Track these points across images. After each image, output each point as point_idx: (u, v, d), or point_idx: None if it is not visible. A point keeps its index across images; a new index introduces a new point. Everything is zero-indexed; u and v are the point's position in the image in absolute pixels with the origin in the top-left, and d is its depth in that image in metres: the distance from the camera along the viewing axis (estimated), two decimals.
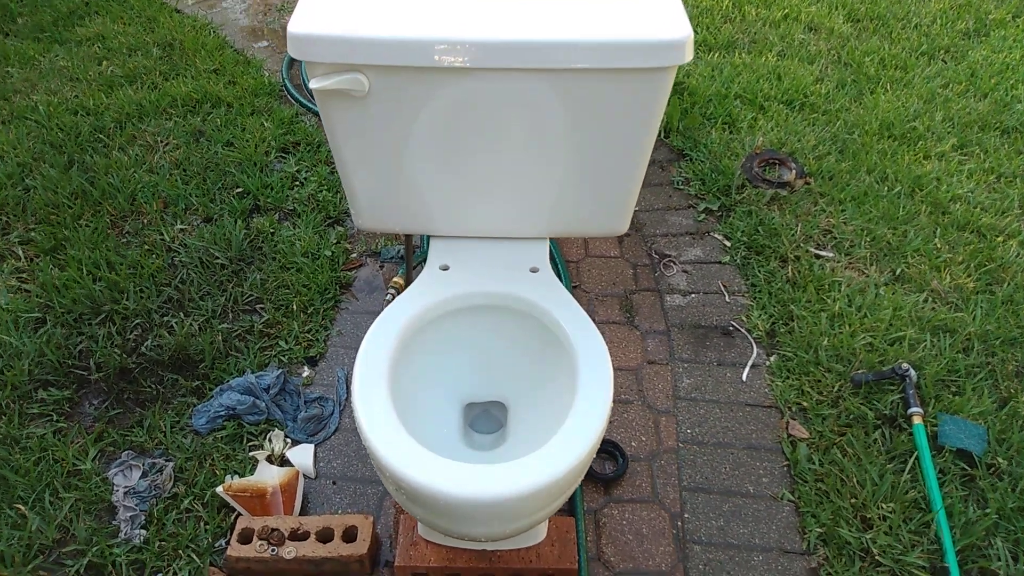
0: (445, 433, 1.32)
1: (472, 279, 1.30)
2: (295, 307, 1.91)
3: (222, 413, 1.64)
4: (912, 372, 1.74)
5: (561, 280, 1.63)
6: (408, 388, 1.24)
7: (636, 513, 1.54)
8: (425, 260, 1.56)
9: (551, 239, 1.80)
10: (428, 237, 1.41)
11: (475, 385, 1.38)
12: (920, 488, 1.55)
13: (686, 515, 1.53)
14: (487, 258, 1.35)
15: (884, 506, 1.52)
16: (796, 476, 1.60)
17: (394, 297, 1.92)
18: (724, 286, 2.05)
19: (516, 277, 1.31)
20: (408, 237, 1.71)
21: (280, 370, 1.71)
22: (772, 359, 1.85)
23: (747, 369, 1.83)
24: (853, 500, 1.54)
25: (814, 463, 1.61)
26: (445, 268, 1.33)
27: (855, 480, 1.57)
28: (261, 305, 1.93)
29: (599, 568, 1.44)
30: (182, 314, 1.89)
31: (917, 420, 1.65)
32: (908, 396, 1.70)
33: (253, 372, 1.74)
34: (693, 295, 2.02)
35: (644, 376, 1.81)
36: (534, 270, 1.33)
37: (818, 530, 1.50)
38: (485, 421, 1.44)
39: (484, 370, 1.37)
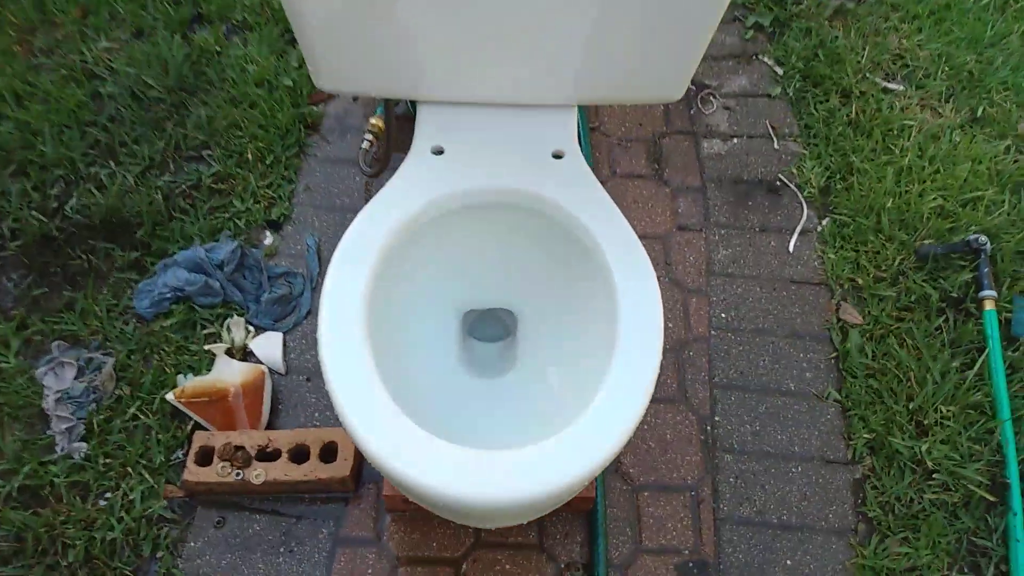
0: (439, 354, 1.06)
1: (474, 169, 0.97)
2: (250, 154, 1.56)
3: (168, 295, 1.37)
4: (988, 246, 1.46)
5: (581, 145, 1.28)
6: (392, 310, 0.95)
7: (660, 416, 1.33)
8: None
9: (580, 109, 1.38)
10: (415, 104, 1.05)
11: (476, 291, 1.10)
12: (987, 389, 1.34)
13: (716, 418, 1.33)
14: (494, 137, 1.00)
15: (944, 409, 1.32)
16: (845, 370, 1.38)
17: (371, 145, 1.56)
18: (773, 128, 1.70)
19: (534, 165, 0.98)
20: None
21: (236, 242, 1.41)
22: (825, 223, 1.56)
23: (795, 236, 1.54)
24: (909, 402, 1.33)
25: (866, 355, 1.39)
26: (438, 151, 0.99)
27: (913, 377, 1.35)
28: (208, 151, 1.58)
29: (617, 482, 1.26)
30: (112, 163, 1.54)
31: (989, 305, 1.41)
32: (981, 275, 1.44)
33: (203, 243, 1.43)
34: (735, 140, 1.68)
35: (673, 246, 1.52)
36: (558, 155, 0.99)
37: (866, 436, 1.31)
38: (488, 325, 1.17)
39: (488, 276, 1.08)
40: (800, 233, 1.55)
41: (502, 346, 1.16)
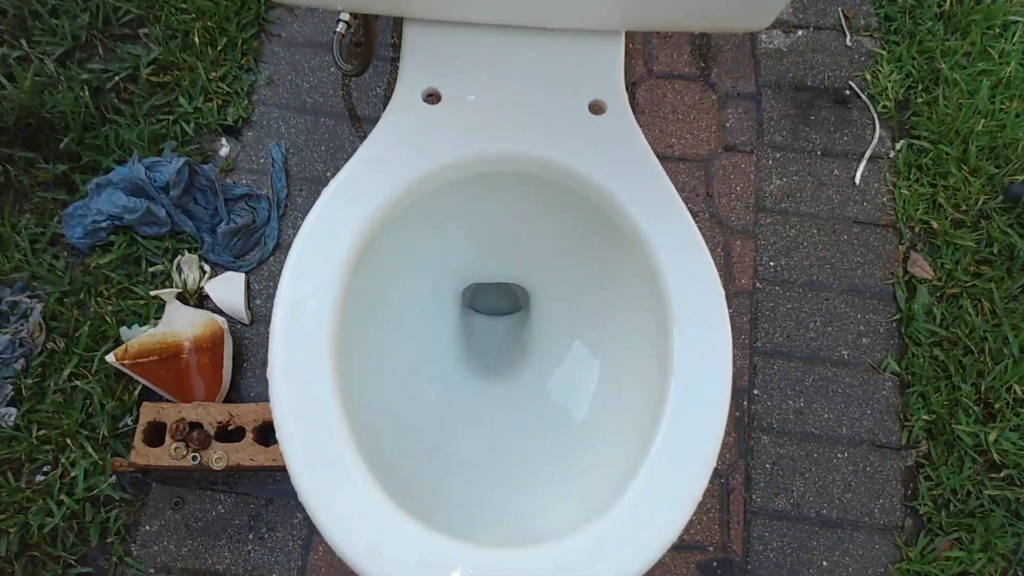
0: (431, 347, 0.85)
1: (480, 127, 0.70)
2: (197, 37, 1.24)
3: (103, 223, 1.12)
4: None
5: None
6: (371, 301, 0.73)
7: None
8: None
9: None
10: (401, 25, 0.75)
11: (479, 264, 0.87)
12: None
13: (755, 392, 1.15)
14: (509, 78, 0.73)
15: (1019, 389, 1.14)
16: (907, 337, 1.18)
17: (348, 27, 1.24)
18: (846, 17, 1.38)
19: (563, 123, 0.71)
20: None
21: (182, 159, 1.14)
22: (899, 148, 1.29)
23: (862, 164, 1.28)
24: (979, 379, 1.15)
25: (934, 319, 1.18)
26: (433, 98, 0.72)
27: (987, 349, 1.16)
28: (144, 30, 1.26)
29: None
30: (24, 43, 1.23)
31: None
32: None
33: (143, 154, 1.16)
34: (800, 32, 1.36)
35: (717, 171, 1.26)
36: (597, 108, 0.72)
37: (925, 418, 1.13)
38: (492, 296, 0.95)
39: (496, 249, 0.84)
40: (869, 160, 1.29)
41: (511, 323, 0.95)
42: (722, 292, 0.68)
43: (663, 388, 0.65)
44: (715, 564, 1.06)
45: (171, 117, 1.20)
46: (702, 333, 0.67)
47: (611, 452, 0.70)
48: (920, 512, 1.09)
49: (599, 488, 0.66)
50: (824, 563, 1.07)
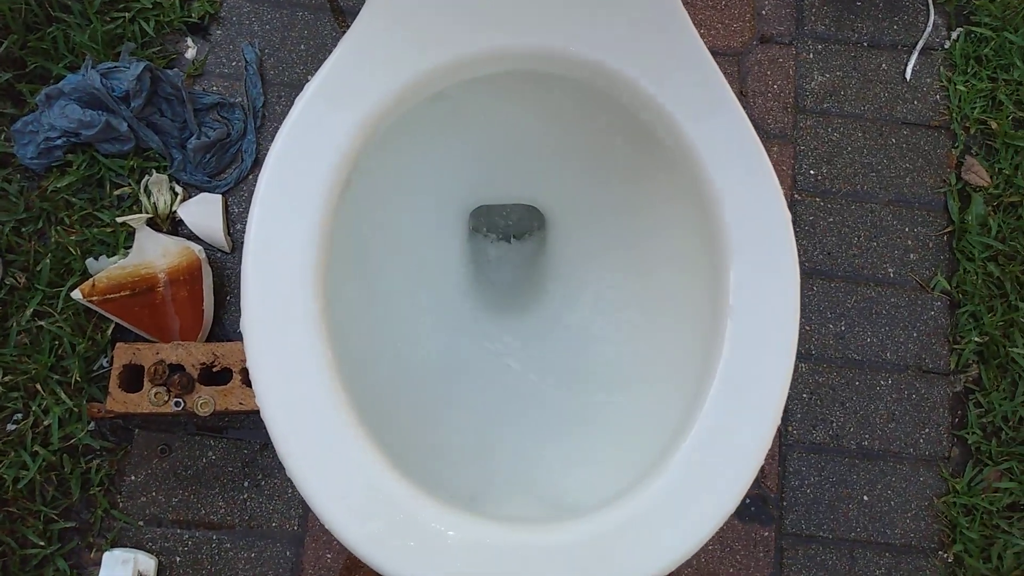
0: (434, 273, 0.74)
1: (486, 9, 0.56)
2: None
3: (58, 140, 0.98)
4: None
5: None
6: (361, 231, 0.62)
7: None
8: None
9: None
10: None
11: (487, 183, 0.74)
12: None
13: None
14: None
15: None
16: (959, 251, 1.07)
17: None
18: None
19: (594, 5, 0.57)
20: None
21: (143, 64, 0.99)
22: (956, 36, 1.14)
23: (914, 57, 1.14)
24: None
25: (990, 230, 1.07)
26: None
27: None
28: None
29: None
30: None
31: None
32: None
33: (98, 59, 1.02)
34: None
35: (752, 66, 1.12)
36: None
37: (976, 340, 1.04)
38: (503, 219, 0.83)
39: (507, 166, 0.72)
40: (921, 51, 1.14)
41: (525, 249, 0.84)
42: (788, 216, 0.57)
43: (716, 333, 0.55)
44: (748, 501, 0.99)
45: (127, 14, 1.04)
46: (764, 267, 0.55)
47: (649, 404, 0.60)
48: (968, 441, 1.01)
49: (637, 447, 0.57)
50: (865, 497, 0.99)
